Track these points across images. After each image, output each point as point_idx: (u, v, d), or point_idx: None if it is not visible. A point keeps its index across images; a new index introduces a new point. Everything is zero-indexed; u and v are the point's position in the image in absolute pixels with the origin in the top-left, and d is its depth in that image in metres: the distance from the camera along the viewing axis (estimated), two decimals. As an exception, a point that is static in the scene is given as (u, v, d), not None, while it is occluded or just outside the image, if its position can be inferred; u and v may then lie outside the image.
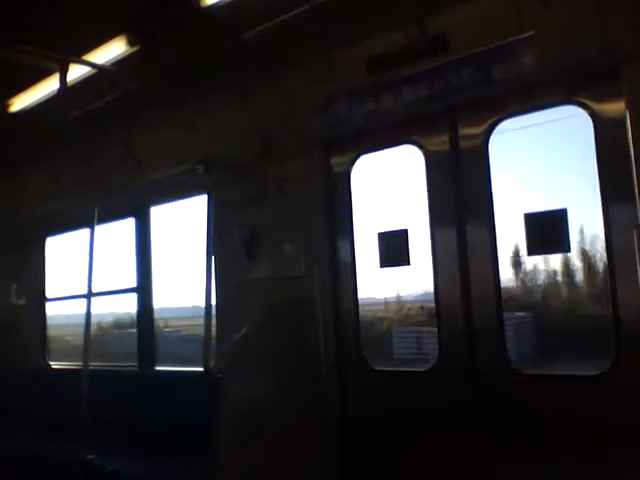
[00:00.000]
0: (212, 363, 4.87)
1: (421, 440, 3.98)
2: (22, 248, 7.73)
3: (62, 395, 6.27)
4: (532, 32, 3.56)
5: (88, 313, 5.83)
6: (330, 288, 4.46)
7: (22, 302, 7.82)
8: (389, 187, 4.47)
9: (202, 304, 4.98)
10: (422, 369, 4.11)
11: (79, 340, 5.98)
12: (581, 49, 3.42)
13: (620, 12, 3.32)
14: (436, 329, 4.04)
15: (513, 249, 4.01)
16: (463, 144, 4.01)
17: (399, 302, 6.63)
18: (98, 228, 5.88)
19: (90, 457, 5.27)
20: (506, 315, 3.86)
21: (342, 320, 4.45)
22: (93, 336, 5.89)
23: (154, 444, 5.20)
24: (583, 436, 3.39)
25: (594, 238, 3.59)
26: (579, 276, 4.81)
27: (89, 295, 5.89)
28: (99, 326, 9.68)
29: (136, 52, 4.78)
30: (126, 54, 4.83)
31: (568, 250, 3.78)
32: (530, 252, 3.80)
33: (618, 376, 3.34)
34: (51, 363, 7.52)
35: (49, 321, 7.74)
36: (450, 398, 3.89)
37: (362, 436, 4.27)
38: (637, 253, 3.18)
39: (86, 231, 6.00)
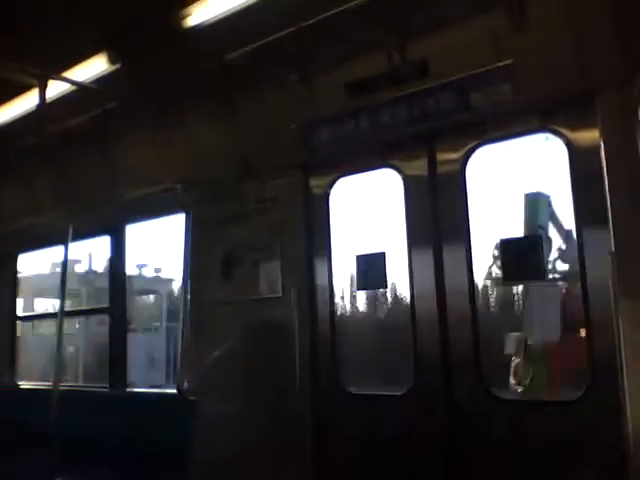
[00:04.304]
0: (186, 384, 4.81)
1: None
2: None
3: (30, 415, 6.14)
4: (510, 60, 3.64)
5: (60, 332, 5.73)
6: (307, 309, 4.45)
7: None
8: (368, 209, 4.49)
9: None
10: (399, 392, 4.10)
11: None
12: (557, 78, 3.50)
13: (595, 42, 3.41)
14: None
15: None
16: (441, 169, 4.06)
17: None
18: (72, 245, 5.82)
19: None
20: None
21: (318, 342, 4.43)
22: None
23: (124, 466, 5.10)
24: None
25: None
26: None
27: (61, 314, 5.80)
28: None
29: (116, 70, 4.77)
30: (106, 72, 4.81)
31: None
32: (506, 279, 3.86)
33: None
34: (20, 383, 7.35)
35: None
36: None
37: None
38: (611, 280, 3.22)
39: (60, 248, 5.94)
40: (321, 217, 4.55)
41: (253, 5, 3.98)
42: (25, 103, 5.36)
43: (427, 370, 3.95)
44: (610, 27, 3.36)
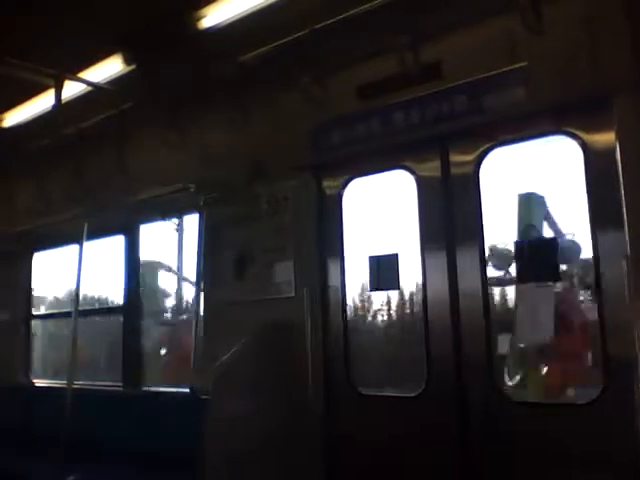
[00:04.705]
0: (198, 383, 4.83)
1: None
2: (7, 263, 7.66)
3: (45, 413, 6.19)
4: (524, 62, 3.62)
5: (74, 330, 5.77)
6: (319, 309, 4.45)
7: (6, 318, 7.72)
8: (381, 210, 4.48)
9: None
10: (412, 394, 4.10)
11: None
12: (572, 80, 3.48)
13: (611, 43, 3.38)
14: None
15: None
16: (454, 171, 4.05)
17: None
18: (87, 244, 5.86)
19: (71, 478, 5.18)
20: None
21: (331, 342, 4.43)
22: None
23: (138, 466, 5.13)
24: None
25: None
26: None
27: (75, 312, 5.84)
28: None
29: (131, 71, 4.80)
30: (121, 73, 4.85)
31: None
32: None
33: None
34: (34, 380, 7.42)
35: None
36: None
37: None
38: (626, 283, 3.19)
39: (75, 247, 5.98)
40: (334, 218, 4.56)
41: (267, 7, 4.00)
42: (41, 103, 5.41)
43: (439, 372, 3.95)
44: (625, 28, 3.34)
